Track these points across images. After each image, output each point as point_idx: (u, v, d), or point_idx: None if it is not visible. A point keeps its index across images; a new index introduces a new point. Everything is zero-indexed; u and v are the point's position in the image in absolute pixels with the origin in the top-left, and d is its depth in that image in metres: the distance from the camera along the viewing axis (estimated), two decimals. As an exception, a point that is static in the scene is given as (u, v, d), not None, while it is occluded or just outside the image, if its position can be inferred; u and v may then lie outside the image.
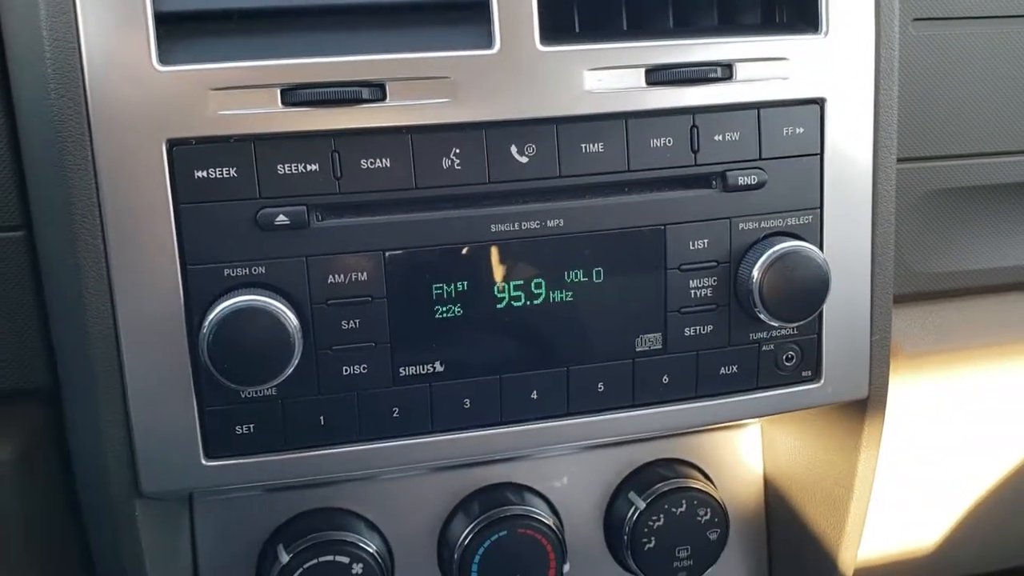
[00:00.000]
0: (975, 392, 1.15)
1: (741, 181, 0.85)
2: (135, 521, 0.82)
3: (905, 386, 1.08)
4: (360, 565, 0.97)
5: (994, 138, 1.03)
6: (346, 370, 0.81)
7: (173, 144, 0.75)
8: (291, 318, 0.76)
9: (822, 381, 0.93)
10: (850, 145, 0.88)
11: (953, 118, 1.01)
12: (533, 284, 0.84)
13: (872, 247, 0.91)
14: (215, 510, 0.99)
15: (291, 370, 0.77)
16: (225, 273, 0.77)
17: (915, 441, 1.18)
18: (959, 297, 1.10)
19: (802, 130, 0.86)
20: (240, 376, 0.76)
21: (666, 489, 1.05)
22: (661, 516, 1.05)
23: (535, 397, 0.86)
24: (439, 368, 0.83)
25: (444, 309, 0.82)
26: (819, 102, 0.86)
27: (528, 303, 0.84)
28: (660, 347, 0.87)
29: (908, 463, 1.20)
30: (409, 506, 1.03)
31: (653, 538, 1.05)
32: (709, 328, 0.88)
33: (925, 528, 1.27)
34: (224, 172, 0.76)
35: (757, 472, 1.13)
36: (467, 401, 0.85)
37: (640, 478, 1.08)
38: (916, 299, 1.08)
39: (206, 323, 0.75)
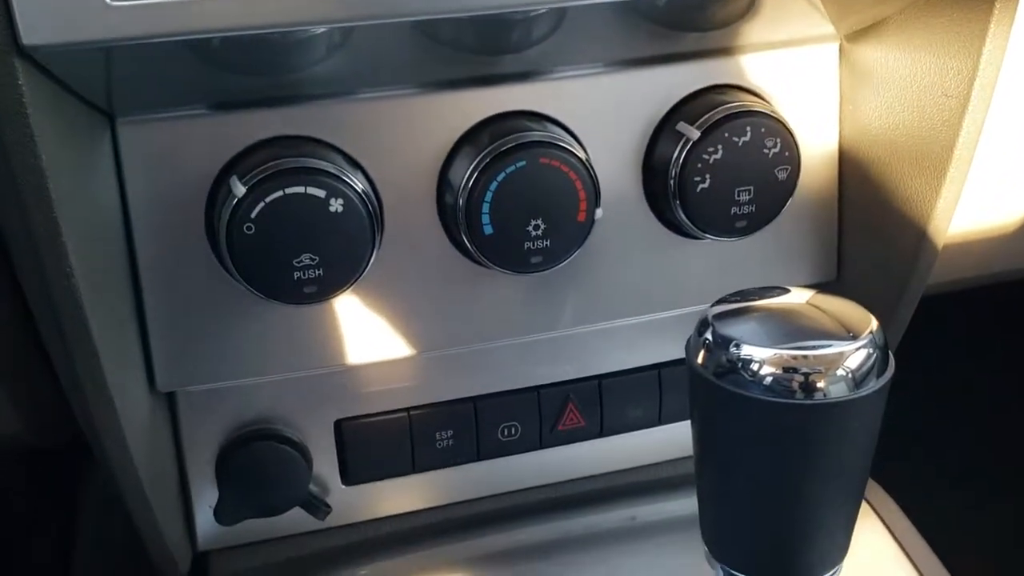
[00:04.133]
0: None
1: None
2: (19, 91, 0.58)
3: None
4: (340, 201, 0.75)
5: None
6: None
7: None
8: None
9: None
10: None
11: None
12: None
13: None
14: (146, 135, 0.75)
15: None
16: None
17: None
18: None
19: None
20: None
21: (726, 113, 0.83)
22: (719, 148, 0.83)
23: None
24: None
25: None
26: None
27: None
28: None
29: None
30: (399, 138, 0.80)
31: (707, 176, 0.83)
32: None
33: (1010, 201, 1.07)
34: None
35: (832, 107, 0.91)
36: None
37: (690, 107, 0.85)
38: None
39: None
